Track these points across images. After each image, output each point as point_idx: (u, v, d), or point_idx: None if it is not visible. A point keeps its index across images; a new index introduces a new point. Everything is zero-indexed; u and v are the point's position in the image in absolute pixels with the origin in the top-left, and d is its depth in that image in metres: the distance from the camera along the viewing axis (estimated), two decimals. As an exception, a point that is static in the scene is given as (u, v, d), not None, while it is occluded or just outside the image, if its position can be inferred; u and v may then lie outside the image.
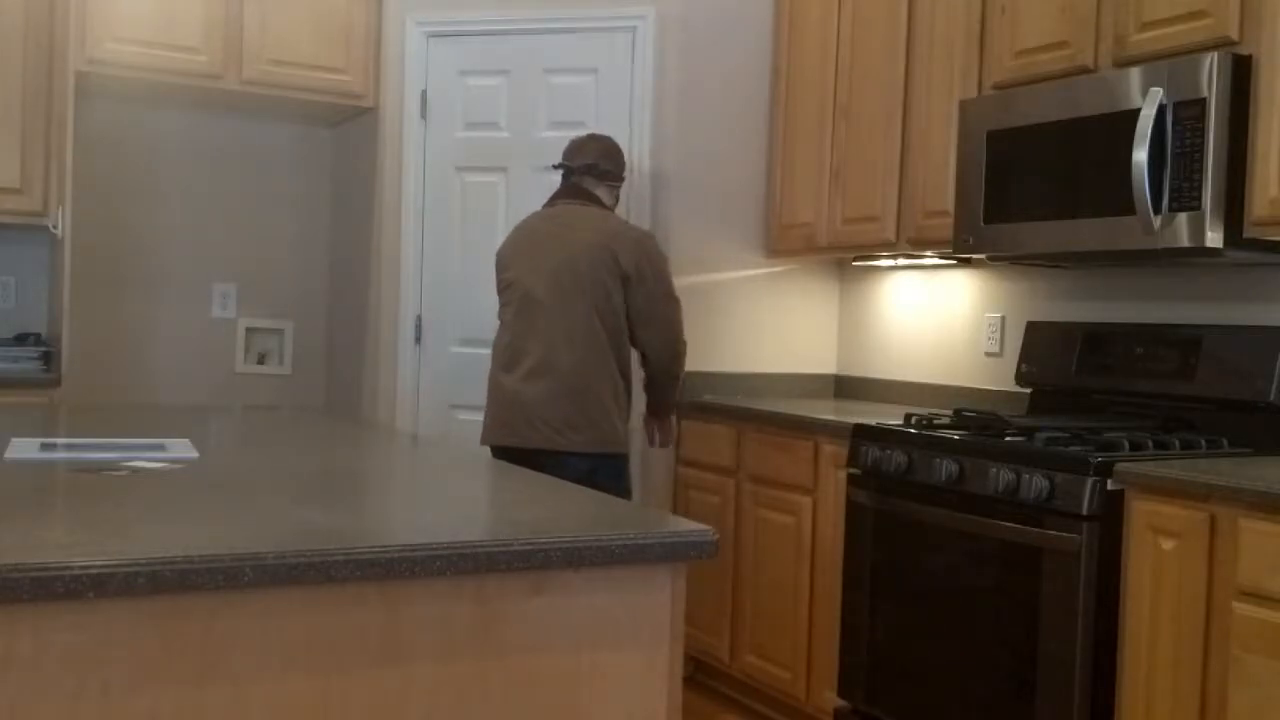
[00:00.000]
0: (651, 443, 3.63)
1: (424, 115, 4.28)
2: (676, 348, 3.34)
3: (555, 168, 3.47)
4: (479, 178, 4.22)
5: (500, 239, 4.14)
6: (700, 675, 3.94)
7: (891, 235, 3.60)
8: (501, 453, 3.26)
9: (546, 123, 4.13)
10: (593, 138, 3.50)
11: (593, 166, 3.39)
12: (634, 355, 3.39)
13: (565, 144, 3.50)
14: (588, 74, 4.08)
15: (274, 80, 4.24)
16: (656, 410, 3.53)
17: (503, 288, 3.40)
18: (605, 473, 3.22)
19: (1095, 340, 3.19)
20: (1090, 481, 2.49)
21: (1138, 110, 2.69)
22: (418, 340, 4.31)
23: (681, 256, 4.02)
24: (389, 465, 2.14)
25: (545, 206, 3.44)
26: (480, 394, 4.10)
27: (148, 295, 4.71)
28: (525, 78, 4.14)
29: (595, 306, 3.21)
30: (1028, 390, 3.44)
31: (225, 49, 4.17)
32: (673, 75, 4.06)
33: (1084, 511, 2.49)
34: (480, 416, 3.43)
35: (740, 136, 4.16)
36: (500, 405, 3.29)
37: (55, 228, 4.04)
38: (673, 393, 3.46)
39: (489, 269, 4.18)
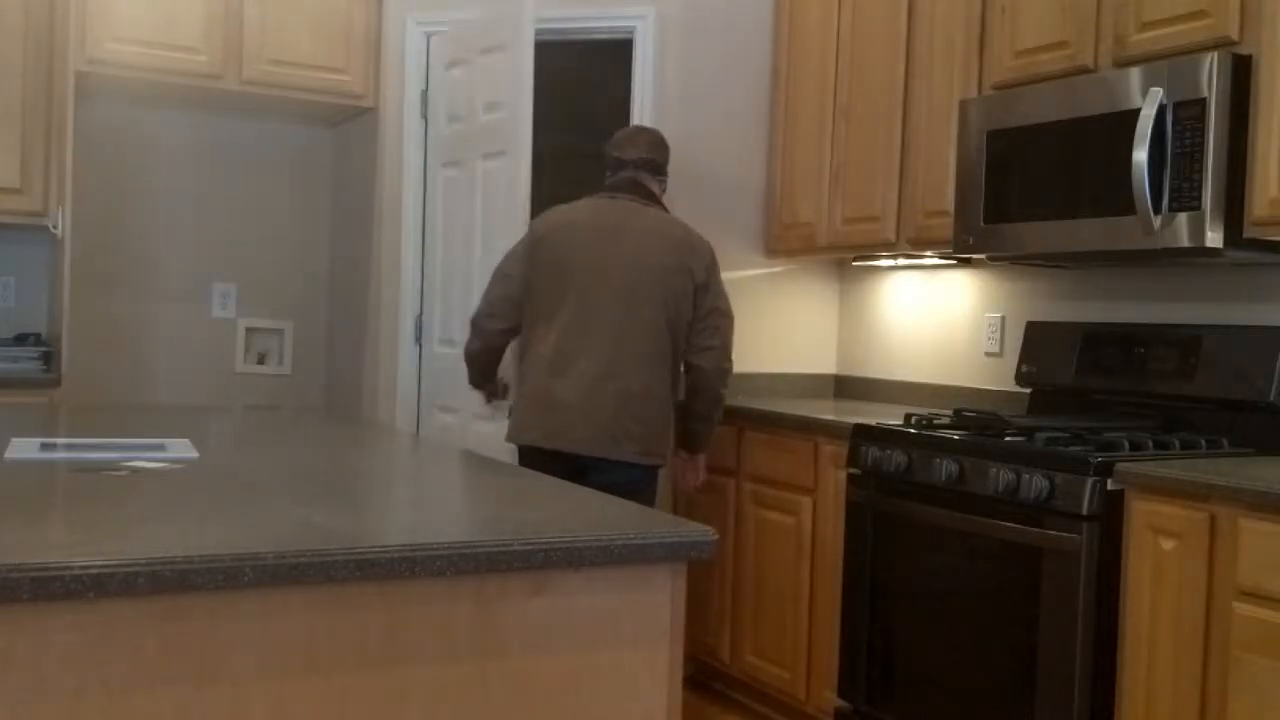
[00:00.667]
0: (682, 483, 3.43)
1: (424, 114, 4.28)
2: (725, 365, 3.17)
3: (608, 160, 3.29)
4: (455, 173, 4.20)
5: (479, 236, 4.13)
6: (700, 675, 3.94)
7: (891, 235, 3.60)
8: (535, 454, 3.09)
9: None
10: (642, 130, 3.33)
11: (649, 161, 3.23)
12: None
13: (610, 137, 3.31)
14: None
15: (274, 80, 4.24)
16: (692, 444, 3.31)
17: (547, 279, 3.14)
18: (647, 482, 3.12)
19: (1095, 340, 3.19)
20: (1090, 481, 2.49)
21: (1138, 110, 2.69)
22: (418, 340, 4.31)
23: (681, 256, 4.02)
24: (389, 465, 2.14)
25: (599, 198, 3.21)
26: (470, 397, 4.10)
27: (148, 295, 4.71)
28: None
29: (666, 316, 3.08)
30: (1028, 390, 3.44)
31: (225, 49, 4.17)
32: (672, 75, 4.06)
33: (1084, 511, 2.49)
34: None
35: (740, 137, 4.16)
36: (548, 408, 3.08)
37: (55, 228, 4.04)
38: (715, 421, 3.26)
39: (475, 268, 4.16)
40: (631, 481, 3.04)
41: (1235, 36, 2.61)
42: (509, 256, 3.28)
